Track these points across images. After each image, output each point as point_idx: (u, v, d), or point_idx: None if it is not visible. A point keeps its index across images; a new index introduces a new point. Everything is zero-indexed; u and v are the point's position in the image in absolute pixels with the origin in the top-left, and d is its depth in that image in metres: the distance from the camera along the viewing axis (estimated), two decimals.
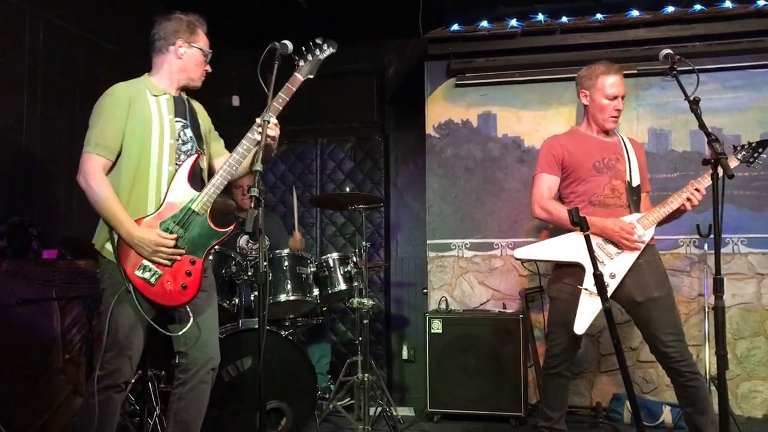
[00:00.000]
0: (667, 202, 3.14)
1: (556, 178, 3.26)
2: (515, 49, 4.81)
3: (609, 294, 2.97)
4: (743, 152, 3.23)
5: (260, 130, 2.53)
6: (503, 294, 4.82)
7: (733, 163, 3.12)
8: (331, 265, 3.96)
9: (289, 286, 3.71)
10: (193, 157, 2.66)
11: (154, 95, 2.66)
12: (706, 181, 3.08)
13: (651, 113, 4.71)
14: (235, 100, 5.92)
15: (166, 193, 2.58)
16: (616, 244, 3.10)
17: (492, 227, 4.89)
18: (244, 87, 5.88)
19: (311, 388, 3.55)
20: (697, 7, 4.56)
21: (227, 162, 2.64)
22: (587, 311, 3.02)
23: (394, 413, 4.20)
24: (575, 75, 4.71)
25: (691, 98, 2.68)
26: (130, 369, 2.56)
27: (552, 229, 3.33)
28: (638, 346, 4.54)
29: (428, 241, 5.01)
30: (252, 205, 2.22)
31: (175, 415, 2.66)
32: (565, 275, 3.18)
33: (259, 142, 2.48)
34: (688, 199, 3.09)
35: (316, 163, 5.76)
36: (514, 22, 4.78)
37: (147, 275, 2.49)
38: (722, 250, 3.76)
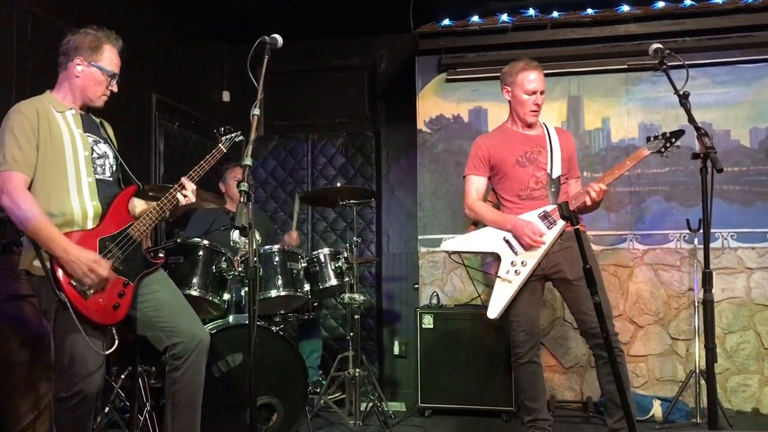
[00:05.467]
0: (578, 194, 3.26)
1: (482, 178, 3.45)
2: (506, 44, 4.80)
3: (526, 277, 3.20)
4: (655, 142, 3.26)
5: (182, 190, 2.72)
6: None
7: (643, 153, 3.23)
8: (322, 260, 3.95)
9: (279, 282, 3.69)
10: (134, 187, 2.73)
11: (59, 111, 2.60)
12: (607, 178, 3.21)
13: (641, 108, 4.72)
14: (226, 95, 5.90)
15: (108, 210, 2.58)
16: None
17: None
18: (234, 82, 5.87)
19: (302, 384, 3.55)
20: (687, 2, 4.57)
21: (155, 207, 2.69)
22: (500, 297, 3.23)
23: (386, 408, 4.21)
24: (567, 70, 4.78)
25: (681, 93, 2.68)
26: (99, 380, 2.47)
27: (479, 225, 3.49)
28: (628, 340, 4.56)
29: (419, 237, 5.01)
30: (242, 200, 2.21)
31: (173, 398, 2.67)
32: (497, 264, 3.35)
33: (175, 205, 2.71)
34: (588, 193, 3.20)
35: (307, 158, 5.74)
36: (504, 17, 4.78)
37: (83, 287, 2.41)
38: (712, 245, 3.77)
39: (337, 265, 3.95)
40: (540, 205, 3.29)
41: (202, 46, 5.65)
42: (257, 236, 4.21)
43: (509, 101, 3.46)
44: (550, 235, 3.23)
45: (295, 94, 5.84)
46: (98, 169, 2.64)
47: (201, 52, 5.62)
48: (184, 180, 2.77)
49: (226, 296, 3.57)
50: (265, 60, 2.52)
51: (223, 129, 3.01)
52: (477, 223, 3.53)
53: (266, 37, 2.55)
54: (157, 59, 4.85)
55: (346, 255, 3.98)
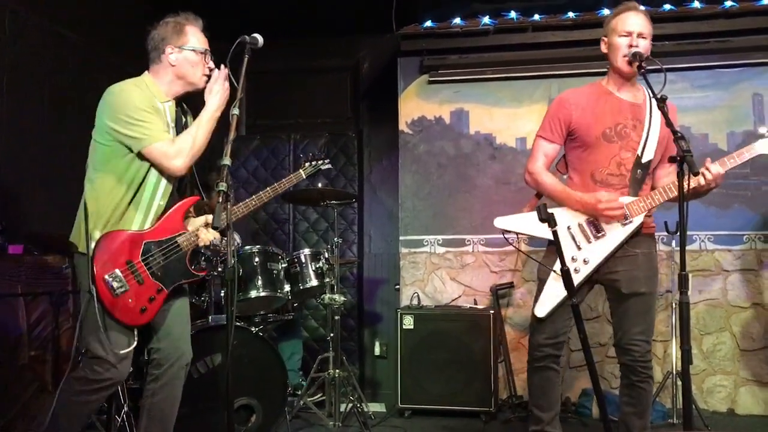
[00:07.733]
0: (665, 188, 2.82)
1: (555, 145, 2.96)
2: (488, 46, 4.83)
3: (584, 278, 2.84)
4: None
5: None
6: (474, 290, 4.84)
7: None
8: (303, 261, 3.94)
9: (259, 282, 3.68)
10: (196, 198, 2.72)
11: (161, 102, 2.63)
12: (729, 162, 2.79)
13: None
14: None
15: (163, 216, 2.59)
16: (598, 227, 2.85)
17: (464, 223, 4.92)
18: None
19: (282, 385, 3.53)
20: (667, 6, 4.61)
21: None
22: (552, 294, 2.84)
23: (366, 409, 4.21)
24: (547, 73, 4.81)
25: (659, 96, 2.69)
26: (127, 366, 2.51)
27: (543, 197, 3.01)
28: (607, 341, 4.59)
29: (401, 237, 5.02)
30: (220, 200, 2.19)
31: (148, 410, 2.64)
32: (552, 254, 2.83)
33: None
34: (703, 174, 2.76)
35: (289, 158, 5.72)
36: (486, 20, 4.81)
37: (115, 284, 2.43)
38: (689, 247, 3.81)
39: (318, 266, 3.95)
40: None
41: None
42: (236, 237, 4.20)
43: (606, 55, 2.95)
44: (620, 234, 2.82)
45: (277, 94, 5.82)
46: None
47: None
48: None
49: (206, 296, 3.55)
50: (245, 59, 2.50)
51: (311, 154, 2.97)
52: (540, 195, 3.02)
53: (246, 37, 2.53)
54: (141, 56, 4.80)
55: (327, 256, 3.98)
